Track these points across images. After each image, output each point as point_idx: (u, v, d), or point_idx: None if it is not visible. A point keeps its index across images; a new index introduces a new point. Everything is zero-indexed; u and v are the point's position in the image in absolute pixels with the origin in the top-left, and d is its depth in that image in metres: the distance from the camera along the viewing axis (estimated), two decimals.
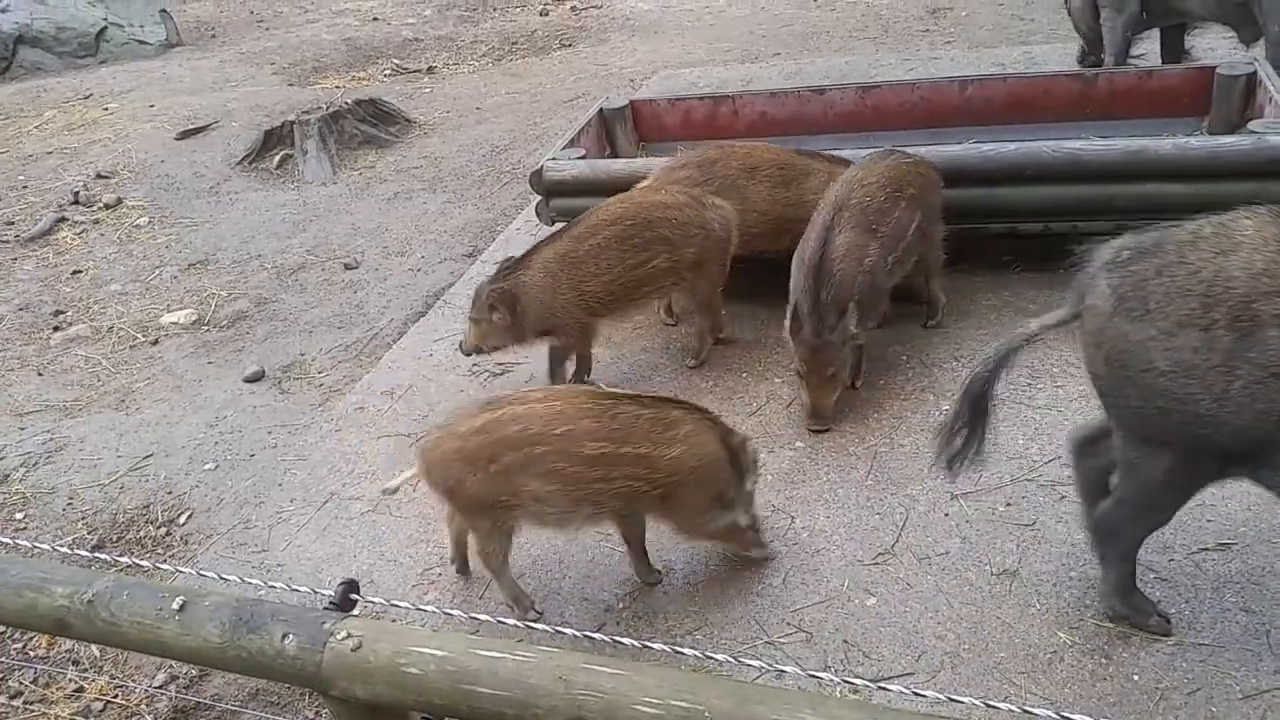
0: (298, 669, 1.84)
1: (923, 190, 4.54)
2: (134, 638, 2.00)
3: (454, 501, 3.40)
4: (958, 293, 5.00)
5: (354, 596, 1.96)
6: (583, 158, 5.54)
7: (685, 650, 1.91)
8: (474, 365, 5.12)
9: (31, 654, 3.88)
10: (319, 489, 4.48)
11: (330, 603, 1.93)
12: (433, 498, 4.23)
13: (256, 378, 5.53)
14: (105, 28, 12.88)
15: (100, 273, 7.12)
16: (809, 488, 3.96)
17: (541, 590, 3.65)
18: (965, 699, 1.66)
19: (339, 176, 8.36)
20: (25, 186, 8.62)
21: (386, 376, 5.28)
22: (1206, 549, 3.35)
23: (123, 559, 3.92)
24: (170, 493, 4.64)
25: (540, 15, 13.05)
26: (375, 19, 13.75)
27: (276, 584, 2.21)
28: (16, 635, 3.96)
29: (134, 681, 3.66)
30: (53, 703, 3.62)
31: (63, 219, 7.91)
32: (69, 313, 6.61)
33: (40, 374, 5.89)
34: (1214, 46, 7.45)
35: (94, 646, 3.76)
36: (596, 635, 2.02)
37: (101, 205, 8.07)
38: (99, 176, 8.54)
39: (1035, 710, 1.55)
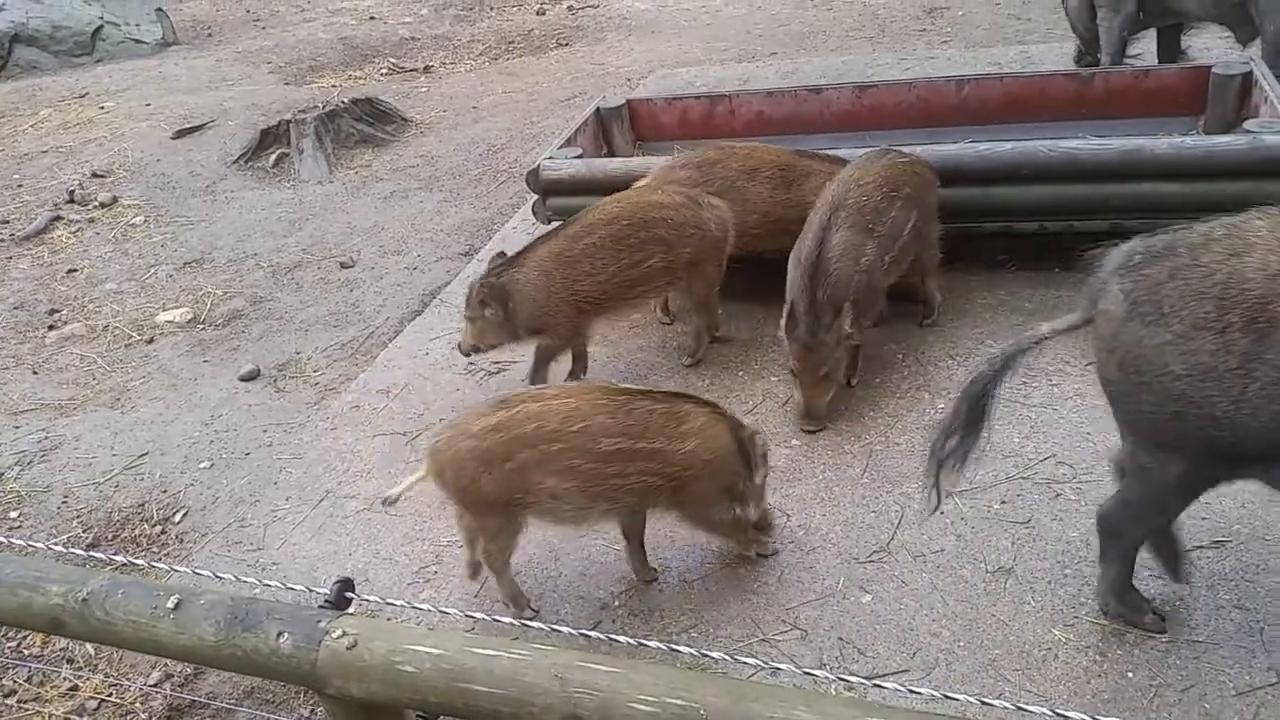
0: (293, 667, 1.84)
1: (919, 190, 4.55)
2: (129, 636, 1.99)
3: (465, 501, 3.37)
4: (953, 291, 5.01)
5: (349, 595, 1.96)
6: (579, 157, 5.54)
7: (681, 648, 1.91)
8: (470, 364, 5.11)
9: (26, 652, 3.88)
10: (314, 487, 4.48)
11: (325, 601, 1.92)
12: (428, 497, 4.25)
13: (252, 376, 5.53)
14: (101, 26, 12.86)
15: (95, 271, 7.11)
16: (805, 486, 3.96)
17: (537, 588, 3.65)
18: (960, 696, 1.66)
19: (335, 175, 8.36)
20: (20, 185, 8.61)
21: (382, 375, 5.28)
22: (1201, 546, 3.35)
23: (118, 557, 3.91)
24: (165, 491, 4.64)
25: (537, 14, 13.05)
26: (372, 18, 13.74)
27: (271, 582, 2.21)
28: (11, 634, 3.96)
29: (129, 680, 3.66)
30: (47, 701, 3.62)
31: (58, 218, 7.90)
32: (64, 311, 6.60)
33: (35, 372, 5.88)
34: (1210, 46, 7.46)
35: (89, 645, 3.76)
36: (592, 633, 2.02)
37: (97, 204, 8.05)
38: (94, 175, 8.52)
39: (1030, 707, 1.55)
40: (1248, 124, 4.73)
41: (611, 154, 6.27)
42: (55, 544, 3.52)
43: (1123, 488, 2.98)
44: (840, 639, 3.28)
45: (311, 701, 3.37)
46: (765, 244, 4.82)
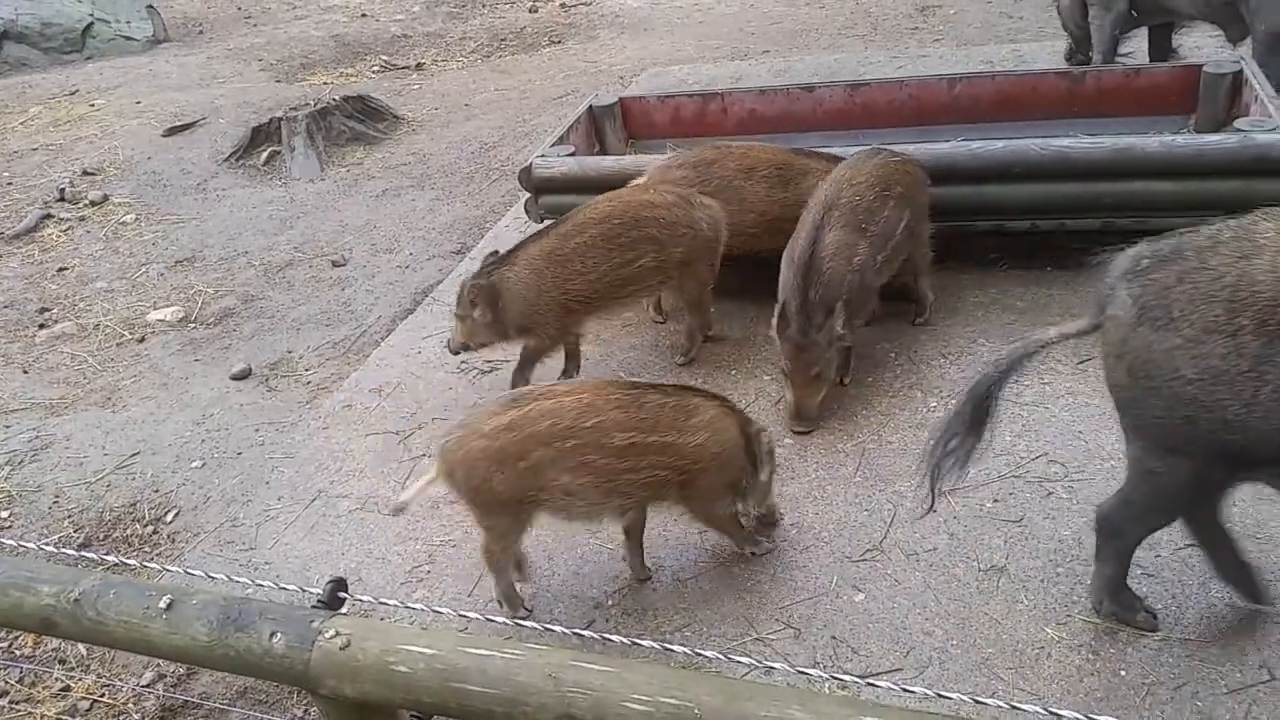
0: (286, 667, 1.83)
1: (911, 189, 4.55)
2: (121, 636, 1.99)
3: (476, 501, 3.34)
4: (945, 290, 5.02)
5: (342, 595, 1.95)
6: (572, 155, 5.53)
7: (674, 647, 1.91)
8: (462, 363, 5.11)
9: (17, 653, 3.86)
10: (307, 487, 4.47)
11: (318, 601, 1.92)
12: (421, 497, 4.24)
13: (244, 375, 5.51)
14: (91, 23, 12.81)
15: (86, 270, 7.09)
16: (797, 484, 3.97)
17: (530, 588, 3.65)
18: (953, 695, 1.67)
19: (327, 173, 8.34)
20: (10, 183, 8.57)
21: (374, 374, 5.27)
22: (1193, 544, 3.35)
23: (109, 557, 3.90)
24: (157, 491, 4.62)
25: (529, 12, 13.03)
26: (363, 15, 13.71)
27: (264, 582, 2.21)
28: (2, 634, 3.94)
29: (121, 680, 3.65)
30: (39, 702, 3.60)
31: (48, 216, 7.87)
32: (55, 310, 6.58)
33: (26, 372, 5.86)
34: (1200, 45, 7.49)
35: (81, 645, 3.75)
36: (585, 632, 2.02)
37: (87, 202, 8.02)
38: (85, 173, 8.49)
39: (1023, 706, 1.56)
40: (1238, 122, 4.74)
41: (604, 152, 6.27)
42: (46, 544, 3.51)
43: (1126, 488, 2.97)
44: (833, 638, 3.28)
45: (305, 702, 3.36)
46: (763, 243, 4.81)
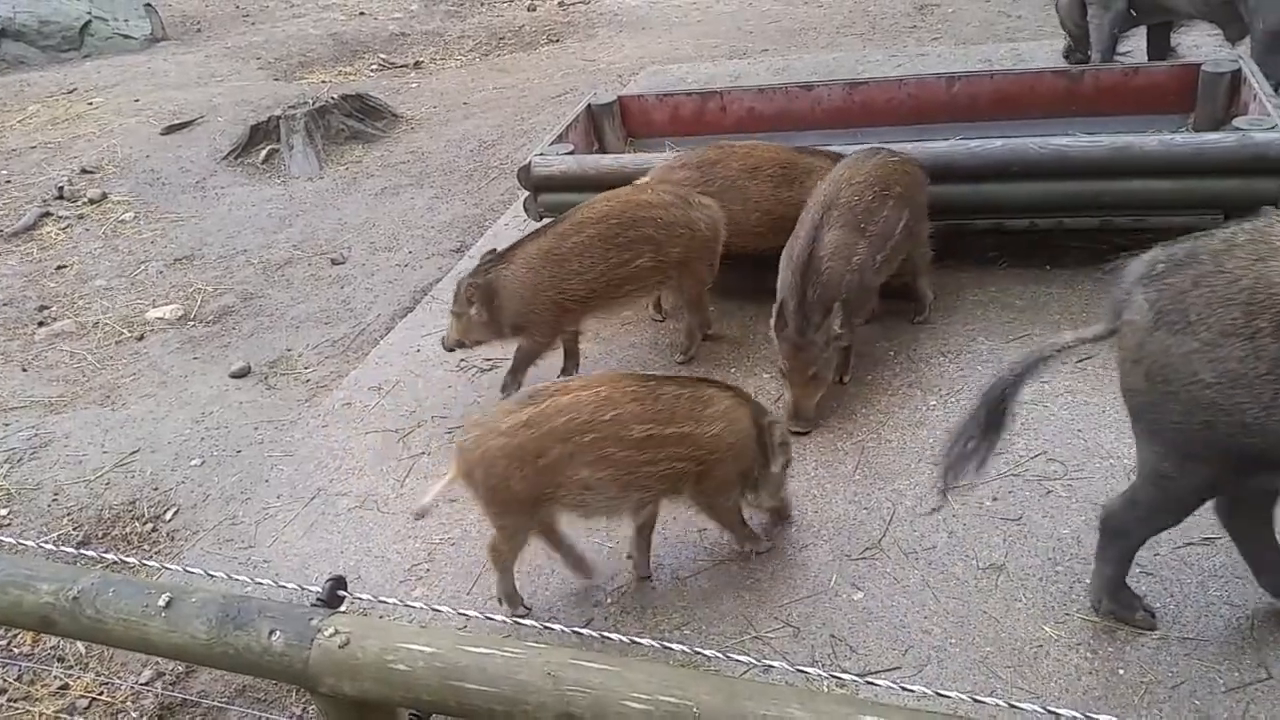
0: (285, 666, 1.83)
1: (910, 189, 4.56)
2: (120, 635, 1.99)
3: (494, 499, 3.32)
4: (944, 288, 5.02)
5: (341, 593, 1.95)
6: (571, 153, 5.53)
7: (673, 646, 1.91)
8: (461, 361, 5.11)
9: (16, 651, 3.86)
10: (306, 485, 4.47)
11: (318, 599, 1.92)
12: (418, 495, 4.24)
13: (243, 373, 5.51)
14: (89, 21, 12.79)
15: (85, 268, 7.08)
16: (796, 482, 3.96)
17: (530, 586, 3.65)
18: (952, 693, 1.67)
19: (325, 172, 8.33)
20: (8, 181, 8.56)
21: (374, 372, 5.27)
22: (1191, 543, 3.36)
23: (108, 555, 3.89)
24: (156, 489, 4.62)
25: (528, 10, 13.02)
26: (361, 13, 13.69)
27: (263, 580, 2.21)
28: (1, 632, 3.94)
29: (119, 678, 3.65)
30: (37, 700, 3.60)
31: (47, 214, 7.86)
32: (54, 308, 6.57)
33: (25, 370, 5.86)
34: (1199, 44, 7.48)
35: (79, 643, 3.75)
36: (585, 631, 2.02)
37: (86, 200, 8.02)
38: (83, 171, 8.48)
39: (1022, 705, 1.56)
40: (1237, 121, 4.75)
41: (603, 150, 6.26)
42: (45, 542, 3.51)
43: (1133, 489, 2.95)
44: (832, 636, 3.29)
45: (303, 700, 3.36)
46: (768, 242, 4.79)
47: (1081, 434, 3.97)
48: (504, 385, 4.73)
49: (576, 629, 1.97)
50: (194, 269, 6.93)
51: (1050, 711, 1.50)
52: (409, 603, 2.42)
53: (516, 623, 2.07)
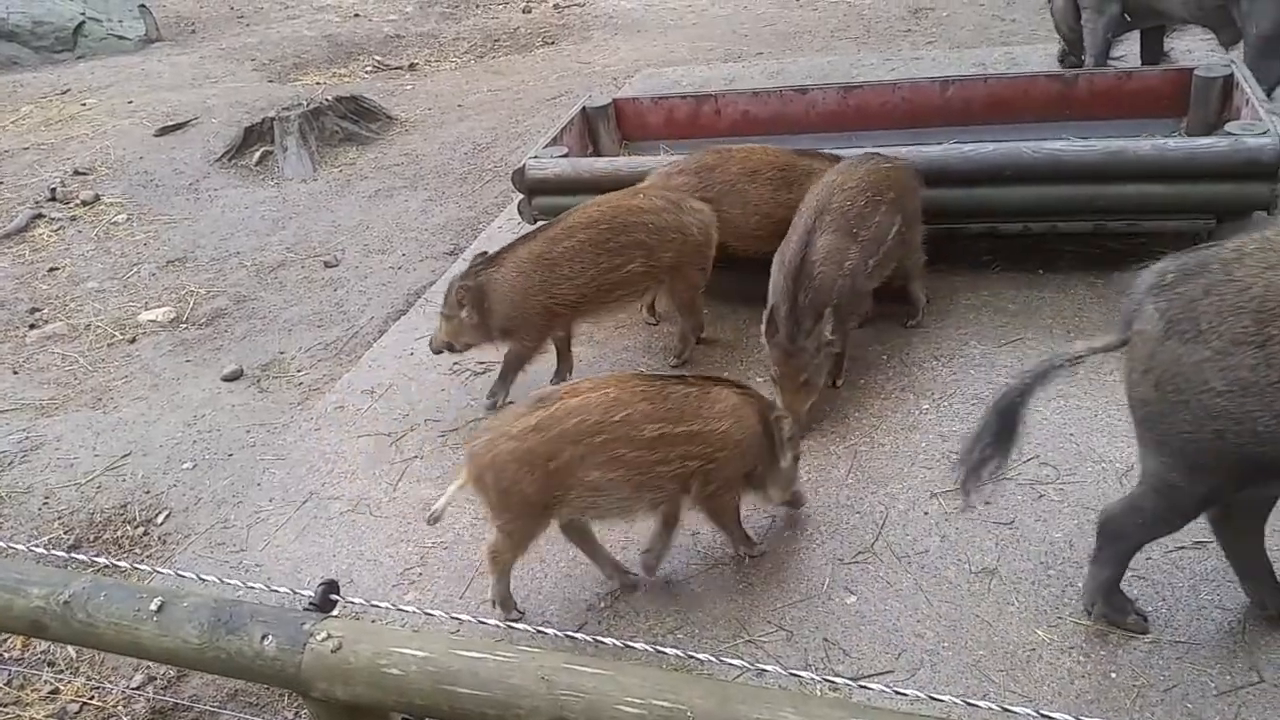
0: (277, 670, 1.83)
1: (902, 194, 4.56)
2: (111, 639, 1.98)
3: (504, 503, 3.31)
4: (937, 292, 5.02)
5: (334, 597, 1.95)
6: (565, 156, 5.53)
7: (667, 649, 1.91)
8: (455, 364, 5.10)
9: (6, 656, 3.85)
10: (298, 488, 4.46)
11: (310, 603, 1.92)
12: (411, 499, 4.24)
13: (235, 376, 5.50)
14: (83, 22, 12.76)
15: (77, 270, 7.06)
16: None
17: (523, 590, 3.64)
18: (945, 697, 1.67)
19: (319, 174, 8.32)
20: (1, 182, 8.54)
21: (367, 375, 5.26)
22: (1183, 547, 3.37)
23: (100, 559, 3.89)
24: (148, 492, 4.61)
25: (523, 12, 13.02)
26: (356, 15, 13.69)
27: (255, 584, 2.20)
28: None
29: (111, 683, 3.63)
30: (28, 705, 3.59)
31: (39, 215, 7.83)
32: (45, 310, 6.56)
33: (16, 372, 5.84)
34: (1192, 48, 7.51)
35: (70, 648, 3.73)
36: (578, 635, 2.03)
37: (79, 202, 7.99)
38: (76, 173, 8.46)
39: (1015, 708, 1.56)
40: (1229, 126, 4.76)
41: (597, 153, 6.26)
42: (36, 546, 3.50)
43: (1137, 495, 2.95)
44: (825, 640, 3.29)
45: (296, 704, 3.35)
46: (768, 245, 4.77)
47: (1074, 438, 3.97)
48: (492, 392, 4.73)
49: (570, 633, 1.98)
50: (187, 271, 6.92)
51: (1043, 715, 1.51)
52: (401, 607, 2.42)
53: (510, 627, 2.06)
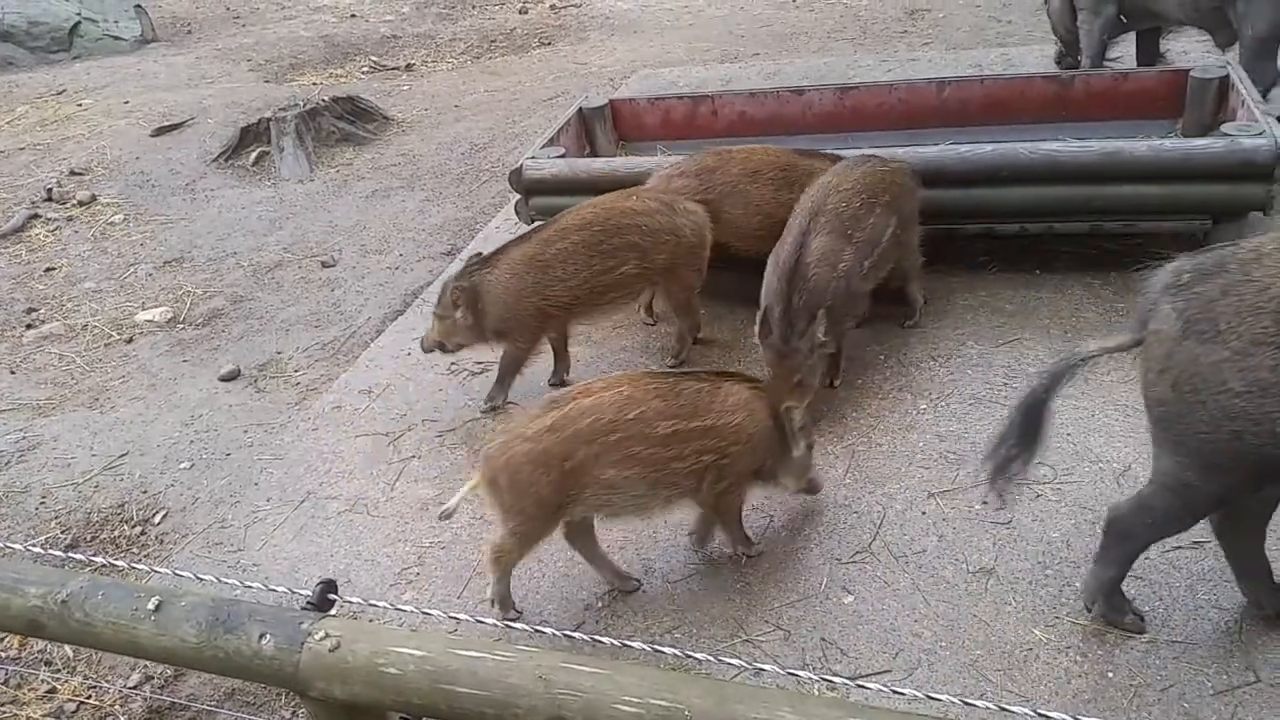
0: (275, 669, 1.83)
1: (898, 197, 4.56)
2: (109, 638, 1.98)
3: (518, 505, 3.29)
4: (934, 293, 5.03)
5: (332, 596, 1.95)
6: (562, 156, 5.53)
7: (665, 649, 1.91)
8: (452, 364, 5.10)
9: (3, 655, 3.84)
10: (296, 488, 4.46)
11: (308, 603, 1.92)
12: (409, 498, 4.24)
13: (232, 376, 5.49)
14: (79, 23, 12.74)
15: (74, 270, 7.05)
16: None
17: (520, 589, 3.64)
18: (943, 696, 1.67)
19: (316, 174, 8.32)
20: None
21: (364, 375, 5.26)
22: (1180, 547, 3.37)
23: (97, 559, 3.88)
24: (145, 492, 4.60)
25: (519, 13, 13.02)
26: (353, 16, 13.68)
27: (253, 584, 2.20)
28: None
29: (108, 682, 3.63)
30: (24, 704, 3.58)
31: (35, 216, 7.82)
32: (42, 310, 6.55)
33: (13, 372, 5.83)
34: (1188, 50, 7.52)
35: (67, 647, 3.73)
36: (576, 634, 2.03)
37: (75, 202, 7.98)
38: (72, 173, 8.45)
39: (1012, 708, 1.56)
40: (1225, 127, 4.77)
41: (594, 154, 6.27)
42: (33, 545, 3.49)
43: (1147, 495, 2.94)
44: (823, 639, 3.29)
45: (293, 704, 3.35)
46: (770, 245, 4.77)
47: (1070, 438, 3.98)
48: (490, 394, 4.73)
49: (568, 632, 1.98)
50: (183, 271, 6.91)
51: (1040, 714, 1.51)
52: (399, 606, 2.41)
53: (507, 626, 2.06)
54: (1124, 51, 7.30)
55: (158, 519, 4.42)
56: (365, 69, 11.46)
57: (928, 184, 4.77)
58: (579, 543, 3.57)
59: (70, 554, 4.05)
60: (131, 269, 6.99)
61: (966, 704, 1.65)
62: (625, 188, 4.88)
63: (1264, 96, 5.34)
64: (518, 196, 5.55)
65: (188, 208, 7.87)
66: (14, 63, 12.28)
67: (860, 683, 1.91)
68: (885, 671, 3.14)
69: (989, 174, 4.80)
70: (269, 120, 8.57)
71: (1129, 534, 3.01)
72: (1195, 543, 3.37)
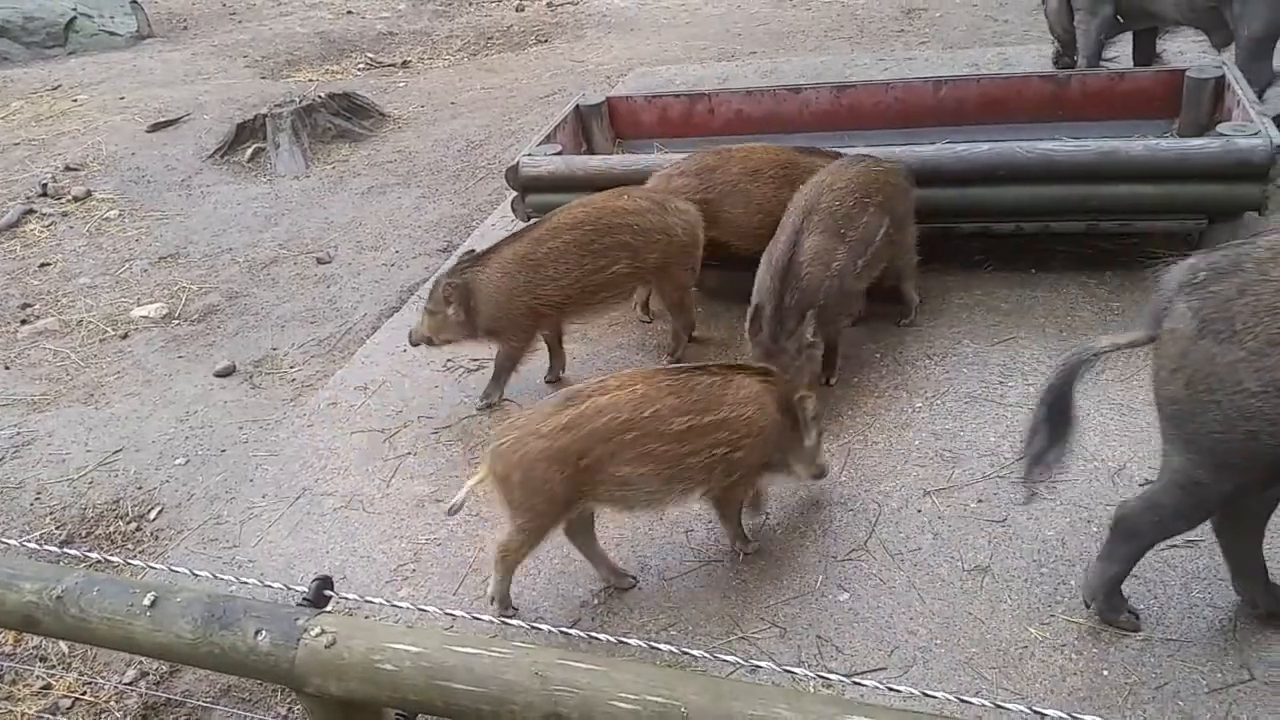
0: (271, 666, 1.82)
1: (891, 197, 4.56)
2: (104, 634, 1.97)
3: (531, 502, 3.29)
4: (930, 291, 5.04)
5: (328, 593, 1.94)
6: (559, 154, 5.53)
7: (661, 646, 1.91)
8: (448, 361, 5.10)
9: None
10: (291, 484, 4.45)
11: (304, 599, 1.91)
12: (405, 495, 4.24)
13: (227, 372, 5.49)
14: (74, 18, 12.71)
15: (69, 266, 7.04)
16: (783, 484, 3.96)
17: (517, 586, 3.64)
18: (939, 694, 1.67)
19: (312, 170, 8.30)
20: None
21: (359, 372, 5.25)
22: (1175, 545, 3.38)
23: (92, 555, 3.87)
24: (140, 488, 4.59)
25: (516, 10, 13.01)
26: (349, 12, 13.65)
27: (249, 580, 2.20)
28: None
29: (103, 678, 3.63)
30: (19, 700, 3.58)
31: (30, 211, 7.80)
32: (37, 306, 6.53)
33: (7, 368, 5.82)
34: (1184, 50, 7.53)
35: (62, 643, 3.73)
36: (572, 631, 2.02)
37: (70, 198, 7.96)
38: (68, 169, 8.43)
39: (1007, 705, 1.56)
40: (1221, 127, 4.78)
41: (591, 151, 6.26)
42: (28, 541, 3.49)
43: (1154, 493, 2.94)
44: (819, 637, 3.30)
45: (289, 700, 3.35)
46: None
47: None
48: (486, 392, 4.73)
49: (564, 629, 1.97)
50: (179, 267, 6.90)
51: (1036, 712, 1.51)
52: (395, 603, 2.41)
53: (503, 623, 2.06)
54: (1120, 51, 7.31)
55: (153, 515, 4.42)
56: (361, 65, 11.44)
57: (924, 183, 4.78)
58: (578, 538, 3.57)
59: (65, 550, 4.02)
60: (127, 265, 6.98)
61: (962, 701, 1.65)
62: (622, 185, 4.88)
63: (1260, 97, 5.35)
64: (514, 194, 5.55)
65: (183, 204, 7.86)
66: (9, 58, 12.25)
67: (856, 680, 1.91)
68: (881, 669, 3.14)
69: (985, 173, 4.81)
70: (265, 116, 8.56)
71: (1136, 533, 3.00)
72: (1190, 541, 3.38)
